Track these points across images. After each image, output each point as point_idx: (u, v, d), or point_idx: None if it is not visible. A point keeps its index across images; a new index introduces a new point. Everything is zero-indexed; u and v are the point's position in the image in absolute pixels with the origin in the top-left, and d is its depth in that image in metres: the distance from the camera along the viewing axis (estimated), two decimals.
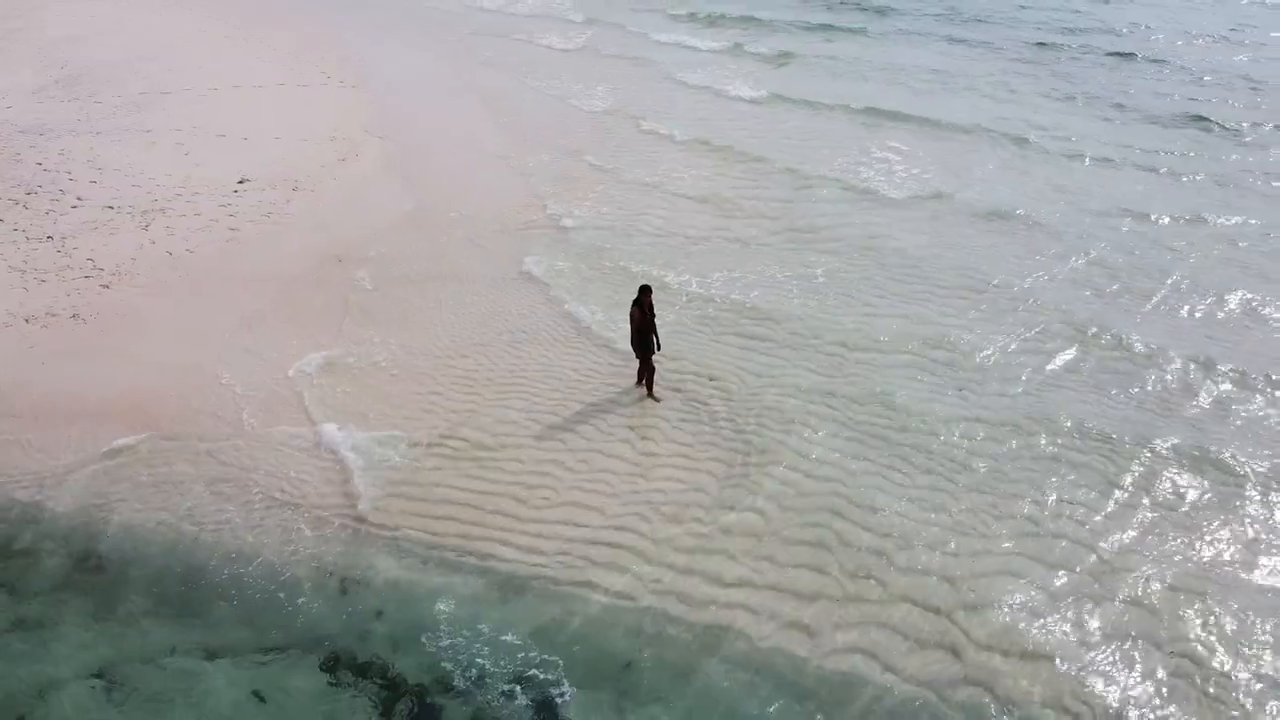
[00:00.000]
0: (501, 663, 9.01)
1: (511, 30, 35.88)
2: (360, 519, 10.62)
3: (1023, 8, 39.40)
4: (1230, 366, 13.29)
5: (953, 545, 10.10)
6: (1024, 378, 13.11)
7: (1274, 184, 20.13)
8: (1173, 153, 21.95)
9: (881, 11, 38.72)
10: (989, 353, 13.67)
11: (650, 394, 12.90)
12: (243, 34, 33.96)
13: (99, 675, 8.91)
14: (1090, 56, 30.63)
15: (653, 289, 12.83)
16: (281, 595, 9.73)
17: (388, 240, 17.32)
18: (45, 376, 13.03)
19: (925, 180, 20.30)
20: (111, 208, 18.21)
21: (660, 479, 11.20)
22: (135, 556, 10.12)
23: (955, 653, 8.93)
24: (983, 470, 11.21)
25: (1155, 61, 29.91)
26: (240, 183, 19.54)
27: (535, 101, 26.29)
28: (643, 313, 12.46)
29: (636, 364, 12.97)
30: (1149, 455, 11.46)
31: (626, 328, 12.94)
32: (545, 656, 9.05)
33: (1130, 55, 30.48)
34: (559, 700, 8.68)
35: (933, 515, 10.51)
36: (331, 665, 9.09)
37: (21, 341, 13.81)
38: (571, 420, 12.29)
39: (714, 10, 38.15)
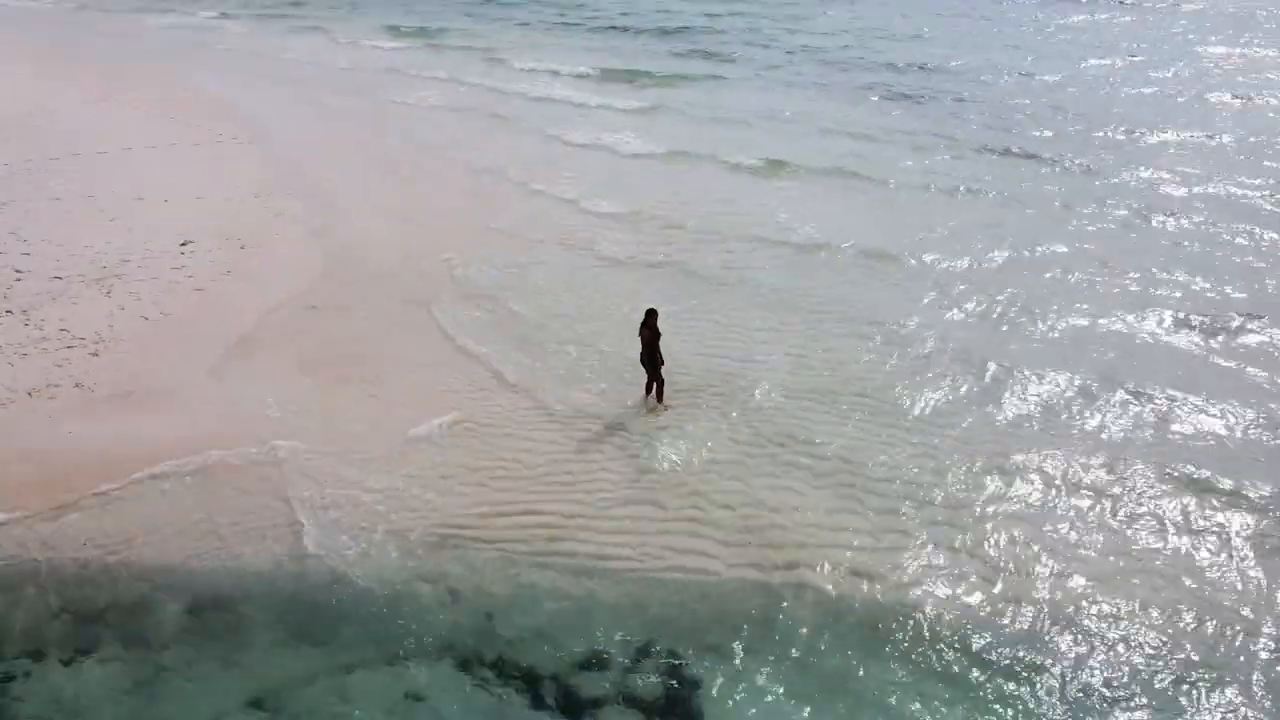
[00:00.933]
0: (614, 643, 10.18)
1: (372, 86, 36.30)
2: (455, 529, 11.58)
3: (846, 46, 43.39)
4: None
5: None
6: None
7: (1092, 209, 22.50)
8: (1014, 182, 24.50)
9: (715, 56, 41.76)
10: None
11: (660, 401, 14.34)
12: (108, 94, 33.06)
13: (258, 705, 9.48)
14: (931, 94, 33.96)
15: (657, 312, 14.30)
16: (398, 610, 10.53)
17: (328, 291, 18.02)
18: (87, 441, 13.08)
19: (814, 225, 21.37)
20: (60, 278, 17.94)
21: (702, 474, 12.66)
22: (251, 594, 10.65)
23: None
24: None
25: (985, 97, 33.51)
26: (183, 245, 19.58)
27: (427, 161, 26.45)
28: (650, 332, 13.94)
29: (645, 378, 14.44)
30: None
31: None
32: (646, 633, 10.29)
33: (965, 97, 33.78)
34: (679, 665, 9.94)
35: None
36: (466, 665, 9.98)
37: (34, 413, 13.74)
38: (611, 427, 13.63)
39: (570, 61, 39.95)
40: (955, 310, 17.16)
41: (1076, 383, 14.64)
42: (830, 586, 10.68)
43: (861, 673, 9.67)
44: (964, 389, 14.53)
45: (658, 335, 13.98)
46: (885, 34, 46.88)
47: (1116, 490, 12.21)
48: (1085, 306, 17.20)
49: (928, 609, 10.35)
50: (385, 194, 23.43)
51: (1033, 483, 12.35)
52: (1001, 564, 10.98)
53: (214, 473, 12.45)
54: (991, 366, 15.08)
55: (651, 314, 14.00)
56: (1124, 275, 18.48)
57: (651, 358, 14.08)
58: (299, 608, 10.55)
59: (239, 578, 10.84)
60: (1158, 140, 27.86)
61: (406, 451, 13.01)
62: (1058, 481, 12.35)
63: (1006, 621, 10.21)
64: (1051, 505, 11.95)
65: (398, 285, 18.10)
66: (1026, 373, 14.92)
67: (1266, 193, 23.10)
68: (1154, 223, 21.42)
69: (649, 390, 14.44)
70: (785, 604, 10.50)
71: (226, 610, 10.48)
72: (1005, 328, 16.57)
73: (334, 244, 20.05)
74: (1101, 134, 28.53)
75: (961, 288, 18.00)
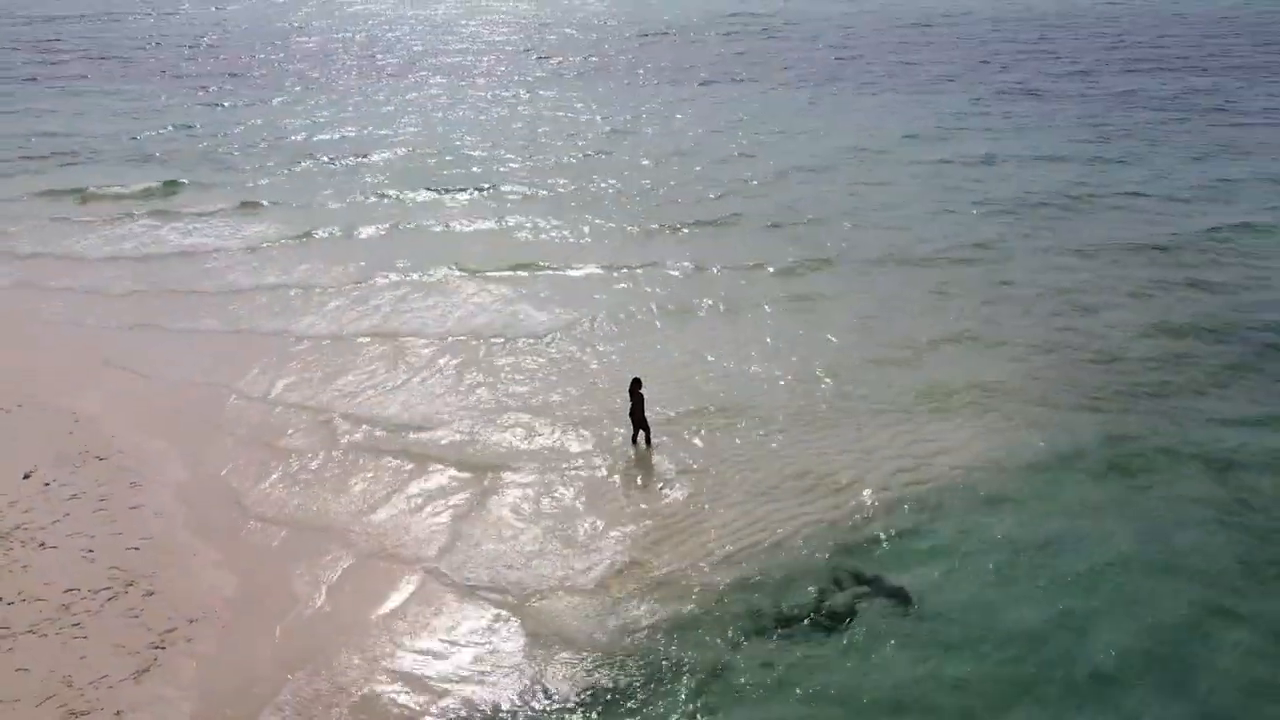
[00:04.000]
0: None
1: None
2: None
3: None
4: None
5: None
6: None
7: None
8: None
9: None
10: None
11: (649, 444, 18.33)
12: None
13: None
14: None
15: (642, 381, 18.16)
16: None
17: None
18: None
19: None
20: None
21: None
22: None
23: None
24: None
25: None
26: (25, 477, 17.33)
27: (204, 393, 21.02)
28: (636, 396, 17.90)
29: (632, 432, 18.28)
30: None
31: None
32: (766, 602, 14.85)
33: None
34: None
35: None
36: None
37: None
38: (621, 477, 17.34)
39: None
40: None
41: None
42: None
43: None
44: None
45: (642, 399, 18.04)
46: None
47: None
48: None
49: None
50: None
51: None
52: None
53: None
54: None
55: (636, 382, 17.99)
56: None
57: (638, 418, 18.10)
58: None
59: None
60: None
61: None
62: None
63: None
64: None
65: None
66: None
67: None
68: None
69: (634, 441, 18.39)
70: None
71: None
72: None
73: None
74: None
75: None
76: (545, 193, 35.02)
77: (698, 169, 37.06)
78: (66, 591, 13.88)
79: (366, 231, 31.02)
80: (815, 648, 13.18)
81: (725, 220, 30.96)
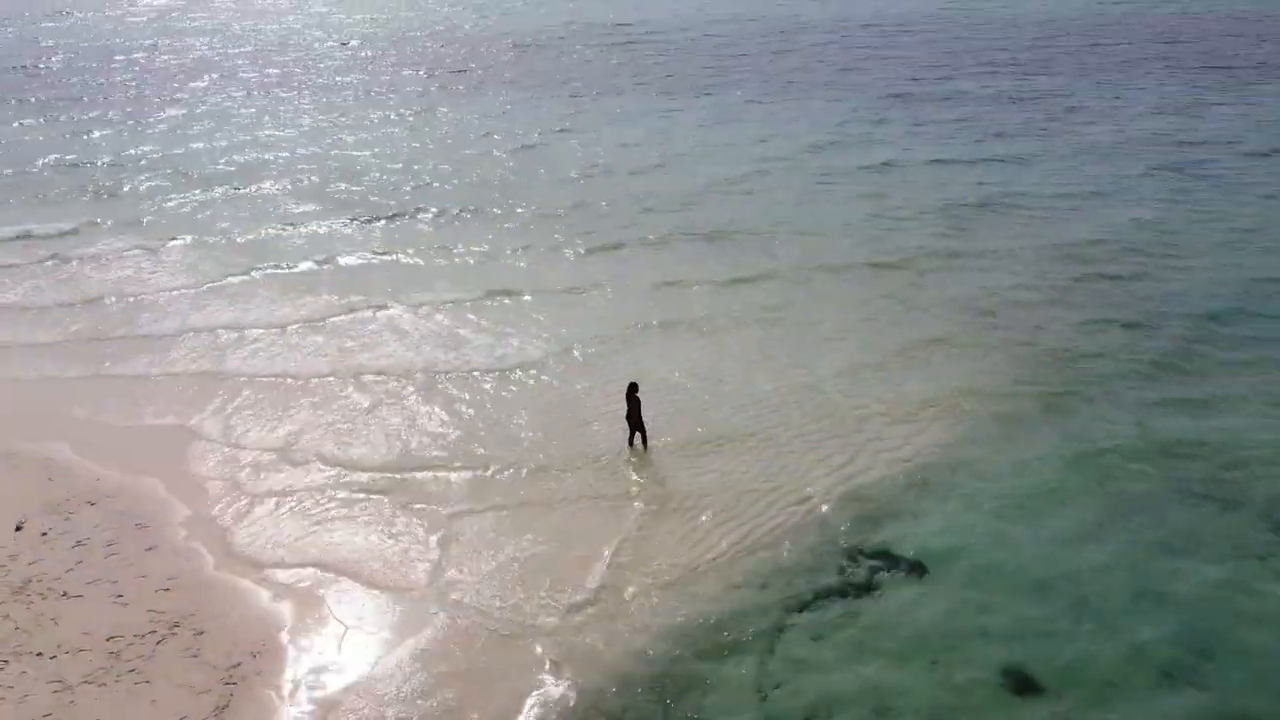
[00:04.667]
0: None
1: None
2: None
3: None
4: None
5: None
6: None
7: None
8: None
9: None
10: None
11: (645, 446, 19.02)
12: None
13: None
14: None
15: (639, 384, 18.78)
16: None
17: None
18: None
19: None
20: None
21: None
22: None
23: None
24: None
25: None
26: (18, 528, 16.57)
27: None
28: (633, 399, 18.57)
29: (629, 434, 18.92)
30: None
31: None
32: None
33: None
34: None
35: None
36: None
37: None
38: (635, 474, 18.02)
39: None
40: None
41: None
42: None
43: None
44: None
45: (638, 402, 18.73)
46: None
47: None
48: None
49: None
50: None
51: None
52: None
53: None
54: None
55: (633, 386, 18.68)
56: None
57: (635, 420, 18.78)
58: None
59: None
60: None
61: None
62: None
63: None
64: None
65: None
66: None
67: None
68: None
69: (630, 443, 19.05)
70: None
71: None
72: None
73: None
74: None
75: None
76: (469, 215, 34.22)
77: (618, 185, 36.99)
78: (110, 639, 13.55)
79: (292, 265, 29.97)
80: (852, 617, 14.29)
81: (666, 238, 30.79)
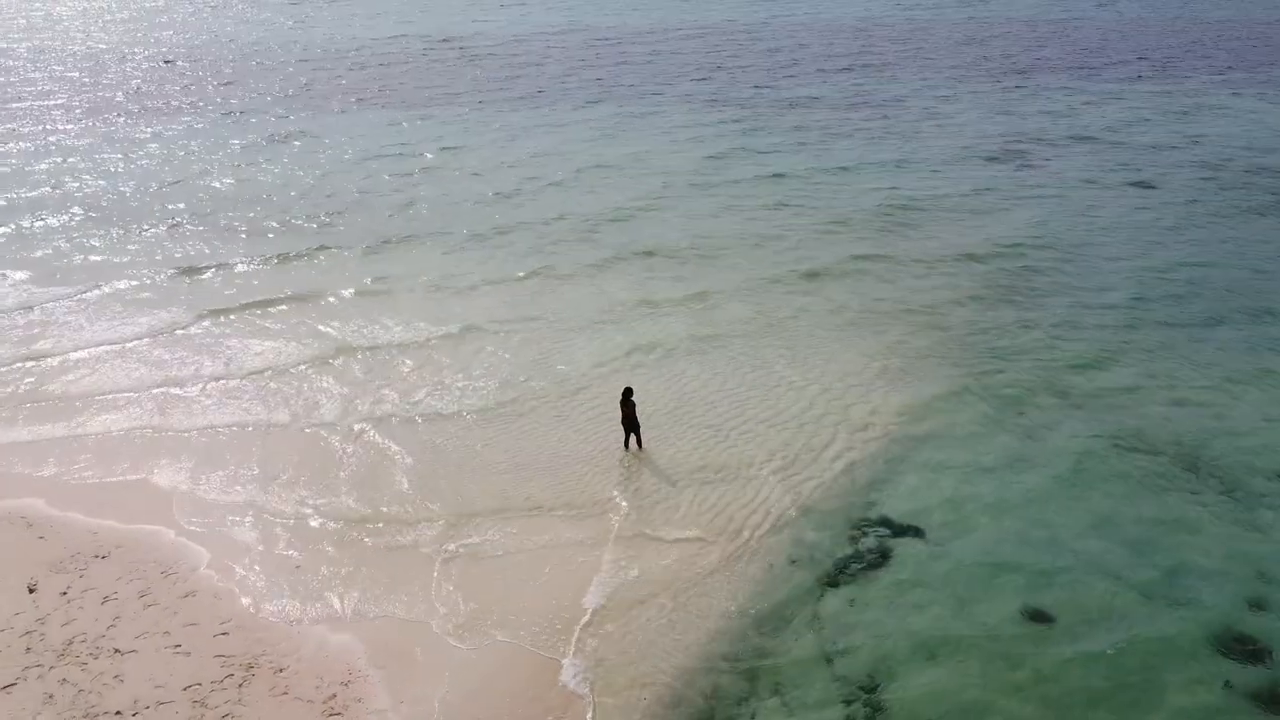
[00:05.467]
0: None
1: None
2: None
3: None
4: None
5: None
6: None
7: None
8: None
9: None
10: None
11: (640, 447, 19.92)
12: None
13: None
14: None
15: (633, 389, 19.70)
16: None
17: None
18: None
19: None
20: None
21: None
22: None
23: None
24: None
25: None
26: (31, 590, 15.66)
27: None
28: (627, 403, 19.46)
29: (624, 437, 19.76)
30: None
31: None
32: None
33: None
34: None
35: None
36: None
37: None
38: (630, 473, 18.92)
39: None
40: None
41: None
42: None
43: None
44: None
45: (633, 406, 19.61)
46: None
47: None
48: None
49: None
50: None
51: None
52: None
53: None
54: None
55: (628, 391, 19.55)
56: None
57: (630, 420, 19.66)
58: None
59: None
60: None
61: None
62: None
63: None
64: None
65: None
66: None
67: None
68: None
69: (625, 446, 19.91)
70: None
71: None
72: None
73: None
74: None
75: None
76: (396, 244, 33.21)
77: (536, 207, 37.13)
78: (188, 689, 13.29)
79: (193, 307, 27.97)
80: (875, 580, 15.90)
81: (608, 260, 30.88)
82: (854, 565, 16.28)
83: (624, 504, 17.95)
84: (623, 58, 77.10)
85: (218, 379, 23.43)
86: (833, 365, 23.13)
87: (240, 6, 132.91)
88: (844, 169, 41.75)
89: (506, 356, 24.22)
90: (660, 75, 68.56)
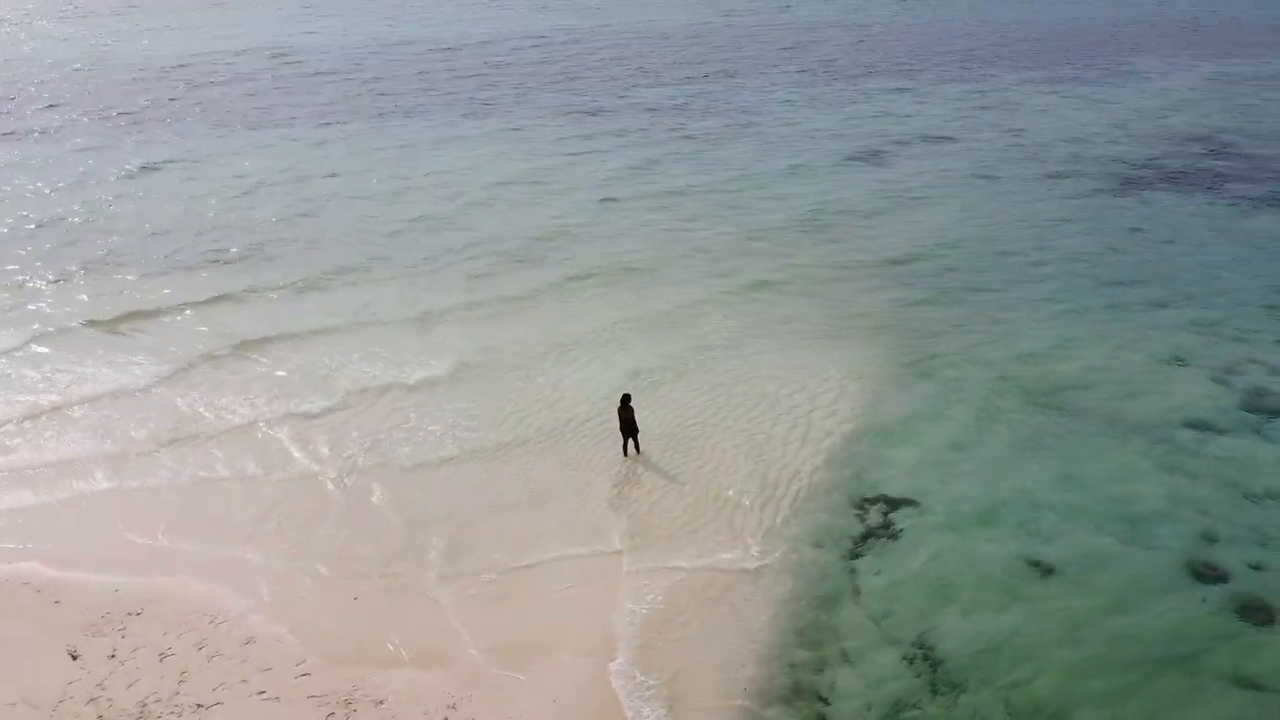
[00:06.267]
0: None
1: None
2: None
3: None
4: None
5: None
6: None
7: None
8: None
9: None
10: None
11: (639, 451, 20.66)
12: None
13: None
14: None
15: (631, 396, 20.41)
16: None
17: None
18: None
19: None
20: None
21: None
22: None
23: None
24: None
25: None
26: (74, 657, 14.66)
27: None
28: (625, 410, 20.18)
29: (623, 443, 20.47)
30: None
31: None
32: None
33: None
34: None
35: None
36: None
37: None
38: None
39: None
40: None
41: None
42: None
43: None
44: None
45: (632, 411, 20.34)
46: None
47: None
48: None
49: None
50: None
51: None
52: None
53: None
54: None
55: (626, 397, 20.26)
56: None
57: (628, 430, 20.38)
58: None
59: None
60: None
61: None
62: None
63: None
64: None
65: None
66: None
67: None
68: None
69: (625, 452, 20.62)
70: None
71: None
72: None
73: None
74: None
75: None
76: (315, 278, 31.53)
77: (446, 230, 36.54)
78: None
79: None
80: (890, 549, 17.50)
81: (551, 285, 30.72)
82: (869, 539, 17.79)
83: (642, 520, 18.54)
84: (472, 70, 76.51)
85: (173, 440, 21.75)
86: (799, 369, 24.35)
87: (44, 23, 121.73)
88: (744, 177, 43.23)
89: (479, 390, 23.79)
90: (519, 86, 68.64)
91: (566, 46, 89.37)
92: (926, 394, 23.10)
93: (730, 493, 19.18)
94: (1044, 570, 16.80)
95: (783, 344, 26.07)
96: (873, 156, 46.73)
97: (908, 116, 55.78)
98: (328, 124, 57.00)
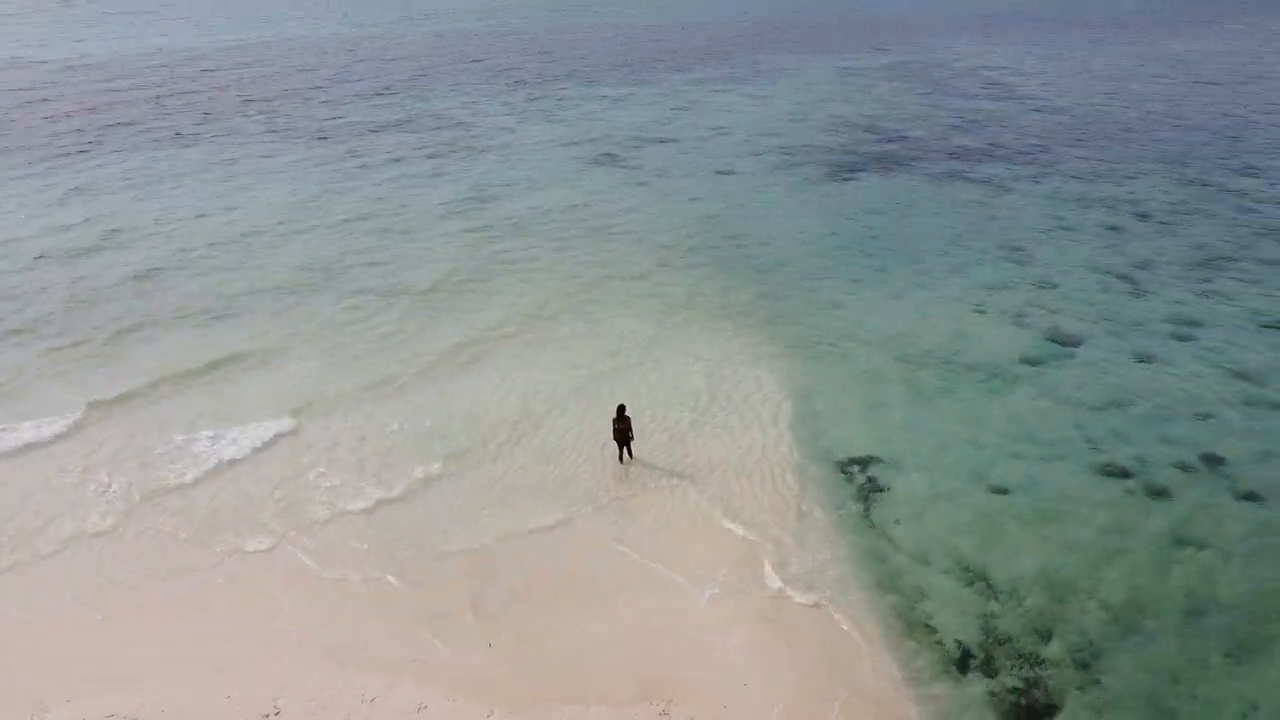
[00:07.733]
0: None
1: None
2: None
3: None
4: None
5: None
6: None
7: None
8: None
9: None
10: None
11: (632, 456, 21.51)
12: None
13: None
14: None
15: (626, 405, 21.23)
16: None
17: None
18: None
19: None
20: None
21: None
22: None
23: None
24: None
25: None
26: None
27: None
28: (621, 420, 21.00)
29: (618, 450, 21.26)
30: None
31: None
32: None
33: None
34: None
35: None
36: None
37: None
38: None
39: None
40: None
41: None
42: None
43: None
44: None
45: (627, 421, 21.15)
46: None
47: None
48: None
49: None
50: None
51: None
52: None
53: None
54: None
55: (622, 407, 21.04)
56: None
57: (623, 434, 21.19)
58: None
59: None
60: None
61: None
62: None
63: None
64: None
65: None
66: None
67: None
68: None
69: (620, 458, 21.42)
70: None
71: None
72: None
73: None
74: None
75: None
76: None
77: (263, 263, 33.87)
78: None
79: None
80: (890, 499, 20.39)
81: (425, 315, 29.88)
82: (867, 496, 20.50)
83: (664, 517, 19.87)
84: (113, 94, 67.90)
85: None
86: (707, 360, 26.53)
87: None
88: (531, 189, 44.00)
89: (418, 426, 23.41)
90: (208, 113, 62.36)
91: (254, 61, 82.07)
92: (827, 370, 26.22)
93: (735, 478, 20.90)
94: (1004, 492, 20.57)
95: (679, 339, 28.05)
96: (611, 160, 49.21)
97: (610, 119, 59.25)
98: (112, 150, 48.13)
